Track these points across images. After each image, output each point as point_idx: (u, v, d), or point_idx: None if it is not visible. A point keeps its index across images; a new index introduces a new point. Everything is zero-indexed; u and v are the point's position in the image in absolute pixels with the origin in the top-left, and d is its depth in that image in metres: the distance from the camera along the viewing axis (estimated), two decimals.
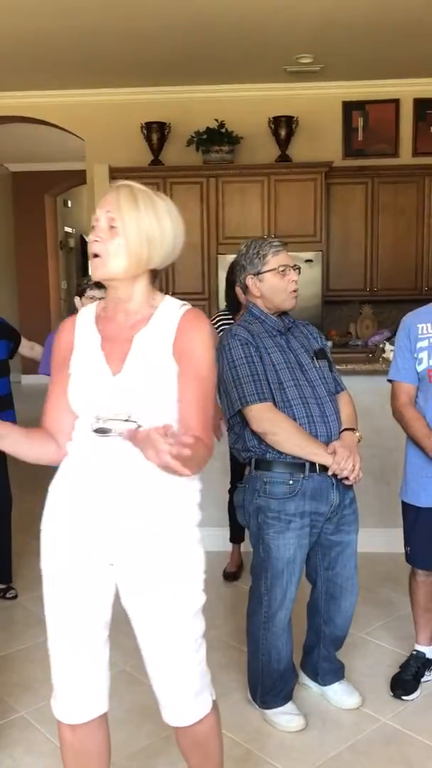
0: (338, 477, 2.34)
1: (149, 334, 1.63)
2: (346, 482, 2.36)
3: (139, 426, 1.53)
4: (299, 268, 2.47)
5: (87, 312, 1.75)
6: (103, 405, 1.59)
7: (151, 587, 1.66)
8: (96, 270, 1.62)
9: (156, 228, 1.59)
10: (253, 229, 5.93)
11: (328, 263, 6.04)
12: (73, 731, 1.78)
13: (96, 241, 1.59)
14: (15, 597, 3.56)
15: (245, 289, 2.49)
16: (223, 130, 6.04)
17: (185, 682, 1.71)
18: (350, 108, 6.26)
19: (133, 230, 1.57)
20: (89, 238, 1.64)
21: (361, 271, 6.18)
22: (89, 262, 1.66)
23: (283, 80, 6.01)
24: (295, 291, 2.43)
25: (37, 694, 2.72)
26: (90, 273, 1.70)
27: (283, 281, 2.41)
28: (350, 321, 6.31)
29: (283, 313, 2.49)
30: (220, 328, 3.69)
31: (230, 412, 2.40)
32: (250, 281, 2.44)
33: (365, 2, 4.46)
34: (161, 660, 1.70)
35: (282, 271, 2.41)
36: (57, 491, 1.73)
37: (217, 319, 3.73)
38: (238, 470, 3.77)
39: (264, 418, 2.31)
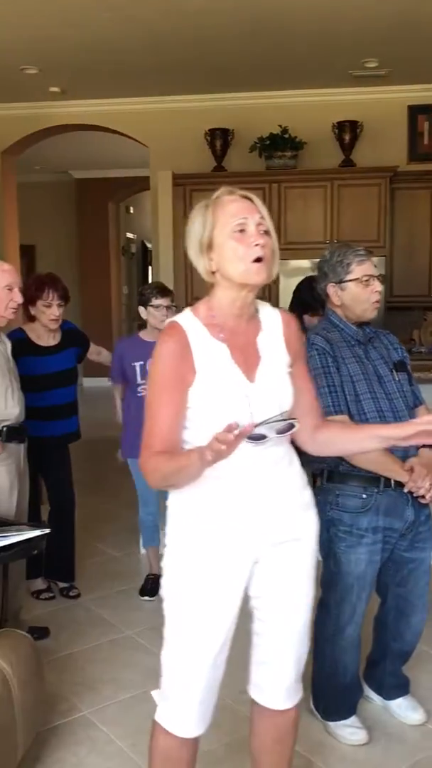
0: (414, 495, 2.29)
1: (267, 336, 1.71)
2: (422, 500, 2.30)
3: (294, 420, 1.63)
4: (383, 278, 2.40)
5: (192, 322, 1.65)
6: (246, 414, 1.59)
7: (297, 576, 1.76)
8: (260, 275, 1.60)
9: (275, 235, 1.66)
10: (315, 234, 5.89)
11: (391, 269, 5.95)
12: (181, 744, 1.77)
13: (259, 245, 1.58)
14: (78, 596, 3.61)
15: (325, 296, 2.43)
16: (287, 136, 6.02)
17: (300, 663, 1.84)
18: (416, 112, 6.15)
19: (273, 232, 1.64)
20: (251, 241, 1.58)
21: (425, 277, 6.06)
22: (248, 267, 1.60)
23: (348, 85, 5.96)
24: (377, 302, 2.36)
25: (100, 693, 2.75)
26: (247, 279, 1.61)
27: (365, 291, 2.33)
28: (414, 327, 6.20)
29: (364, 323, 2.43)
30: None
31: None
32: (331, 289, 2.38)
33: None
34: (287, 643, 1.78)
35: (366, 281, 2.33)
36: (207, 506, 1.68)
37: None
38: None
39: None
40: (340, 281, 2.35)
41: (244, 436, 1.45)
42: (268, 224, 1.63)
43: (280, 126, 6.01)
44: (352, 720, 2.48)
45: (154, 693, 1.83)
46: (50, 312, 3.38)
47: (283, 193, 5.98)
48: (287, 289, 5.95)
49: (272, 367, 1.68)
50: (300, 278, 5.97)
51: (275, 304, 5.90)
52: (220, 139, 6.17)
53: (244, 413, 1.60)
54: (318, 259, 5.86)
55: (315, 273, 3.43)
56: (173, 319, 1.68)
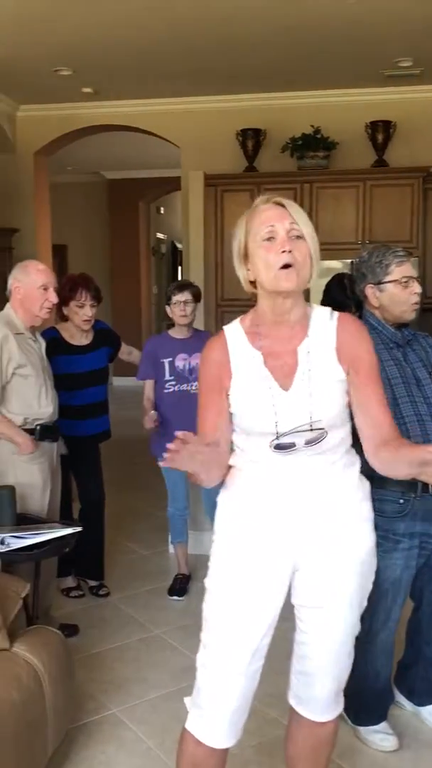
0: None
1: (312, 343, 1.66)
2: None
3: (324, 431, 1.61)
4: (421, 280, 2.37)
5: (235, 330, 1.71)
6: (273, 423, 1.61)
7: (340, 588, 1.73)
8: (289, 281, 1.57)
9: (316, 238, 1.65)
10: (347, 235, 5.85)
11: (424, 270, 5.88)
12: (210, 753, 1.75)
13: (286, 251, 1.57)
14: (107, 594, 3.63)
15: (363, 297, 2.39)
16: (319, 136, 5.99)
17: (342, 677, 1.81)
18: None
19: (313, 240, 1.62)
20: (278, 249, 1.58)
21: None
22: (275, 275, 1.59)
23: (381, 84, 5.91)
24: (416, 303, 2.32)
25: (129, 693, 2.76)
26: (276, 285, 1.59)
27: (404, 293, 2.30)
28: None
29: (402, 325, 2.39)
30: None
31: None
32: (369, 290, 2.34)
33: None
34: (329, 656, 1.75)
35: (405, 282, 2.29)
36: (238, 513, 1.71)
37: None
38: None
39: None
40: (379, 282, 2.31)
41: (186, 445, 1.44)
42: (303, 228, 1.60)
43: (313, 126, 5.98)
44: (383, 726, 2.46)
45: (187, 700, 1.81)
46: (83, 312, 3.41)
47: (315, 194, 5.94)
48: (318, 288, 5.93)
49: (312, 374, 1.64)
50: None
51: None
52: (252, 139, 6.16)
53: (268, 420, 1.62)
54: (349, 260, 5.82)
55: (345, 272, 3.43)
56: (223, 328, 1.73)
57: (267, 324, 1.67)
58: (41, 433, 2.95)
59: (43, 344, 3.10)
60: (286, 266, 1.57)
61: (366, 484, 1.79)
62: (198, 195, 6.17)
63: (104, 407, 3.63)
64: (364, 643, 2.35)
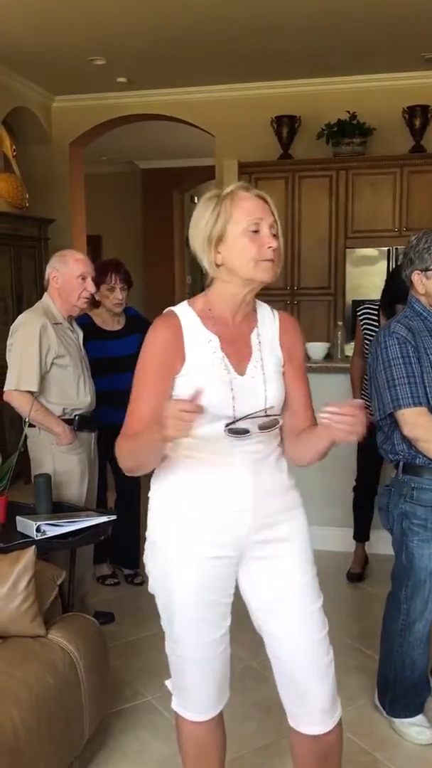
0: None
1: (262, 334, 1.71)
2: None
3: (278, 418, 1.66)
4: None
5: (187, 312, 1.67)
6: (229, 406, 1.61)
7: (291, 577, 1.71)
8: (268, 273, 1.62)
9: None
10: (383, 222, 5.77)
11: None
12: (200, 726, 1.80)
13: (272, 248, 1.61)
14: (142, 583, 3.65)
15: (410, 283, 2.35)
16: (355, 122, 5.90)
17: (328, 676, 1.74)
18: None
19: (282, 238, 1.65)
20: (264, 242, 1.60)
21: None
22: (256, 265, 1.61)
23: (420, 68, 5.79)
24: None
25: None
26: (255, 275, 1.62)
27: None
28: None
29: None
30: (364, 318, 3.60)
31: (381, 414, 2.29)
32: (416, 277, 2.30)
33: None
34: (304, 653, 1.72)
35: None
36: (187, 497, 1.68)
37: (363, 309, 3.63)
38: (365, 469, 3.69)
39: (417, 423, 2.19)
40: (426, 269, 2.27)
41: (198, 410, 1.41)
42: (278, 227, 1.64)
43: (348, 112, 5.89)
44: (419, 719, 2.43)
45: (167, 683, 1.86)
46: (114, 296, 3.42)
47: (350, 181, 5.87)
48: (353, 276, 5.86)
49: (263, 363, 1.68)
50: (367, 267, 5.89)
51: (341, 293, 5.86)
52: (286, 126, 6.10)
53: (227, 405, 1.61)
54: (386, 248, 5.69)
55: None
56: (169, 309, 1.70)
57: (221, 309, 1.68)
58: (80, 423, 2.97)
59: (81, 334, 3.11)
60: (269, 260, 1.61)
61: (290, 475, 1.77)
62: (232, 183, 6.13)
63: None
64: (400, 634, 2.34)
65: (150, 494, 1.76)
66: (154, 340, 1.65)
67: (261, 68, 5.81)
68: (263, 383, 1.66)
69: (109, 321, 3.50)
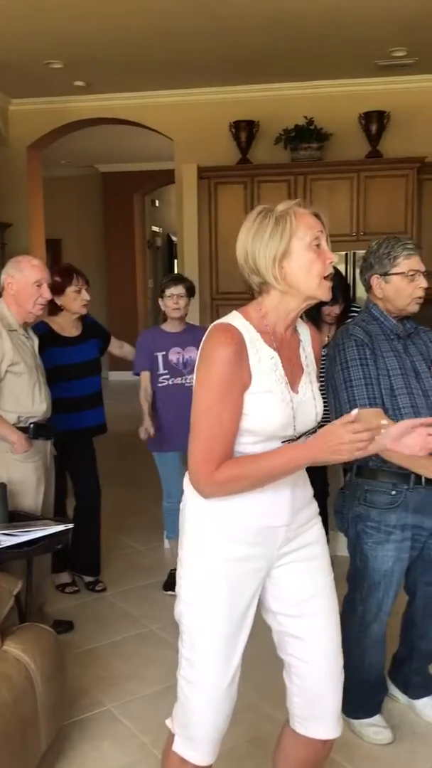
0: None
1: (305, 349, 1.74)
2: None
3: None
4: (429, 275, 2.34)
5: (246, 327, 1.61)
6: (292, 427, 1.62)
7: (319, 579, 1.75)
8: (329, 292, 1.64)
9: None
10: (341, 226, 5.83)
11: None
12: None
13: (332, 262, 1.63)
14: (104, 590, 3.63)
15: (368, 287, 2.38)
16: (312, 127, 5.96)
17: (341, 682, 1.78)
18: None
19: None
20: (326, 257, 1.61)
21: None
22: (321, 282, 1.62)
23: (375, 75, 5.88)
24: (420, 297, 2.30)
25: (124, 688, 2.76)
26: (316, 292, 1.63)
27: (410, 286, 2.28)
28: None
29: (405, 317, 2.38)
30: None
31: (338, 415, 2.30)
32: (375, 281, 2.33)
33: None
34: (327, 654, 1.74)
35: (411, 275, 2.27)
36: (226, 512, 1.64)
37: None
38: (312, 473, 3.71)
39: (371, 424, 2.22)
40: (385, 273, 2.30)
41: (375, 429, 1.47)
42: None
43: (306, 117, 5.95)
44: (377, 719, 2.46)
45: (168, 721, 1.78)
46: (81, 297, 3.41)
47: (308, 185, 5.92)
48: None
49: (311, 379, 1.72)
50: None
51: None
52: (245, 131, 6.13)
53: (289, 424, 1.62)
54: (343, 252, 5.78)
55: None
56: (227, 322, 1.61)
57: (276, 325, 1.66)
58: (35, 431, 2.94)
59: (36, 341, 3.08)
60: (328, 277, 1.62)
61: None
62: (191, 187, 6.15)
63: (98, 399, 3.61)
64: (356, 636, 2.36)
65: (185, 505, 1.71)
66: (221, 357, 1.55)
67: (219, 73, 5.83)
68: (314, 400, 1.68)
69: (67, 327, 3.48)
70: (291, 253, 1.59)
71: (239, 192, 5.94)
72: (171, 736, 1.77)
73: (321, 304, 3.39)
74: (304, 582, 1.72)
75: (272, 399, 1.59)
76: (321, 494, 3.64)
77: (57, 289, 3.31)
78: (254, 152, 6.19)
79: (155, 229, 11.41)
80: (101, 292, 10.30)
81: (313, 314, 3.46)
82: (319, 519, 1.80)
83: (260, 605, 1.74)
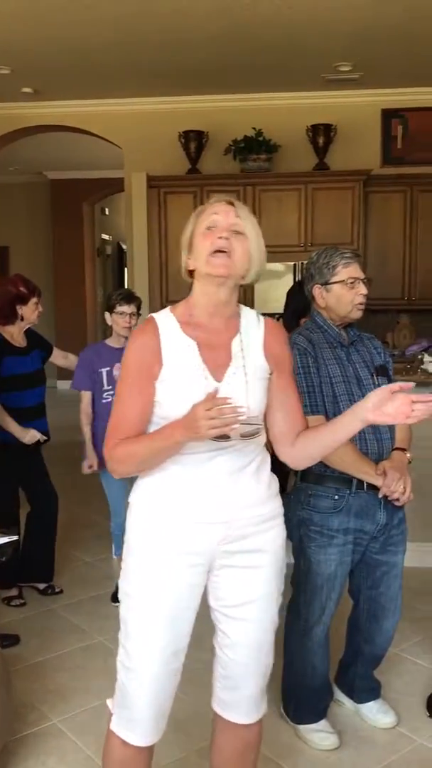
0: (389, 498, 2.30)
1: (245, 340, 1.71)
2: (396, 503, 2.31)
3: (260, 426, 1.67)
4: (369, 282, 2.39)
5: (165, 317, 1.69)
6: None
7: (258, 587, 1.76)
8: (221, 266, 1.62)
9: (261, 243, 1.69)
10: (289, 237, 5.91)
11: (365, 272, 5.97)
12: (138, 752, 1.76)
13: (222, 237, 1.62)
14: (61, 592, 3.64)
15: (311, 297, 2.42)
16: (261, 139, 6.03)
17: (265, 676, 1.82)
18: (389, 116, 6.20)
19: (257, 241, 1.67)
20: (215, 235, 1.63)
21: (399, 280, 6.10)
22: (207, 259, 1.63)
23: (322, 88, 5.99)
24: (361, 304, 2.36)
25: (70, 702, 2.72)
26: (208, 269, 1.64)
27: (350, 293, 2.33)
28: (387, 330, 6.23)
29: (348, 325, 2.44)
30: None
31: None
32: (316, 291, 2.38)
33: (403, 10, 4.42)
34: (252, 655, 1.77)
35: (351, 283, 2.33)
36: (158, 510, 1.69)
37: None
38: None
39: None
40: (326, 283, 2.35)
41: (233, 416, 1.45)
42: (246, 227, 1.66)
43: (255, 129, 6.02)
44: (323, 724, 2.48)
45: (109, 701, 1.82)
46: (38, 308, 3.46)
47: (257, 196, 5.98)
48: (261, 290, 5.97)
49: (243, 370, 1.68)
50: (274, 281, 6.01)
51: (250, 306, 5.94)
52: (194, 141, 6.16)
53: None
54: (292, 262, 5.88)
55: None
56: (150, 315, 1.72)
57: (200, 314, 1.69)
58: None
59: None
60: (221, 251, 1.62)
61: (275, 481, 1.81)
62: (141, 196, 6.15)
63: (42, 410, 3.60)
64: (300, 640, 2.39)
65: (130, 498, 1.75)
66: (133, 345, 1.69)
67: (169, 83, 5.85)
68: (244, 390, 1.66)
69: (17, 338, 3.49)
70: (194, 243, 1.67)
71: (189, 201, 5.96)
72: (111, 716, 1.80)
73: (300, 315, 3.48)
74: (240, 590, 1.74)
75: (183, 386, 1.62)
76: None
77: (22, 298, 3.35)
78: (204, 162, 6.23)
79: (105, 237, 11.35)
80: (50, 301, 10.18)
81: (292, 325, 3.49)
82: (279, 523, 1.78)
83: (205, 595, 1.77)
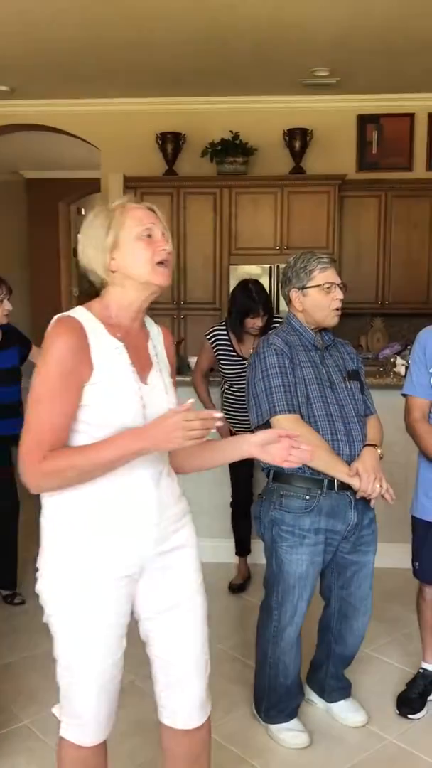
0: (366, 498, 2.32)
1: (155, 345, 1.76)
2: (380, 500, 2.33)
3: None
4: (345, 287, 2.43)
5: (89, 319, 1.62)
6: (142, 417, 1.60)
7: (185, 584, 1.76)
8: (165, 276, 1.65)
9: None
10: (265, 240, 5.93)
11: (339, 275, 6.02)
12: (89, 750, 1.75)
13: (166, 250, 1.64)
14: (23, 603, 3.56)
15: (288, 301, 2.46)
16: (238, 142, 6.05)
17: (205, 676, 1.81)
18: (365, 121, 6.25)
19: (173, 250, 1.70)
20: (157, 246, 1.63)
21: (372, 284, 6.15)
22: (154, 268, 1.63)
23: (299, 93, 6.02)
24: (338, 309, 2.39)
25: (41, 703, 2.70)
26: (152, 279, 1.65)
27: (326, 298, 2.37)
28: (361, 334, 6.29)
29: (323, 330, 2.47)
30: (215, 340, 3.70)
31: (258, 421, 2.35)
32: (293, 294, 2.41)
33: (381, 16, 4.47)
34: (189, 657, 1.77)
35: (327, 288, 2.36)
36: (94, 520, 1.62)
37: (212, 332, 3.73)
38: (238, 485, 3.77)
39: (290, 429, 2.27)
40: (303, 287, 2.38)
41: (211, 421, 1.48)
42: (169, 236, 1.68)
43: (232, 132, 6.04)
44: (294, 723, 2.50)
45: (55, 709, 1.80)
46: (4, 306, 3.41)
47: (234, 199, 5.99)
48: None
49: (162, 373, 1.73)
50: None
51: (225, 308, 5.96)
52: (171, 143, 6.16)
53: (138, 415, 1.61)
54: (267, 265, 5.93)
55: (249, 278, 3.56)
56: (68, 314, 1.62)
57: (121, 317, 1.67)
58: None
59: None
60: (162, 263, 1.64)
61: (178, 485, 1.82)
62: (117, 197, 6.11)
63: (16, 409, 3.54)
64: (272, 640, 2.41)
65: (42, 521, 1.68)
66: (59, 346, 1.54)
67: (146, 84, 5.85)
68: (165, 393, 1.69)
69: None
70: (119, 245, 1.63)
71: (165, 202, 5.96)
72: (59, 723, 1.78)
73: (244, 316, 3.53)
74: (173, 587, 1.74)
75: (117, 389, 1.60)
76: (246, 500, 3.69)
77: None
78: (180, 164, 6.23)
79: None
80: (25, 301, 10.11)
81: (237, 326, 3.55)
82: (190, 519, 1.79)
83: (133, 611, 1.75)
